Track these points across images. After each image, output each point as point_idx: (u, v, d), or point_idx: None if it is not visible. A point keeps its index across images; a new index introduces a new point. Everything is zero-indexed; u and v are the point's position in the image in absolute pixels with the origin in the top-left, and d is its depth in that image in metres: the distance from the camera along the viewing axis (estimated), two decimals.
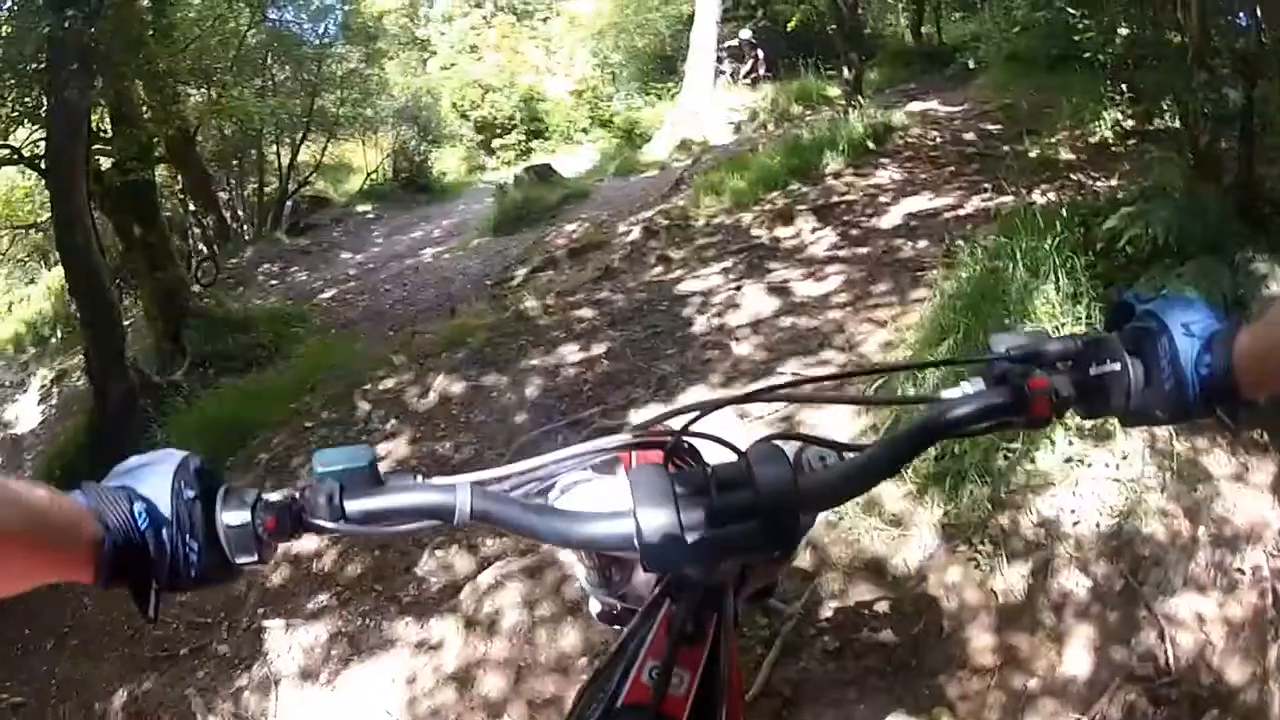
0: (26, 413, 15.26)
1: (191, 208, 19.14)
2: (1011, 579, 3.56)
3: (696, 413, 1.23)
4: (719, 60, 19.97)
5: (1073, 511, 3.64)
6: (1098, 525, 3.56)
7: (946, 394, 1.23)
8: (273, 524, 1.04)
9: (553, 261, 10.44)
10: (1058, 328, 4.45)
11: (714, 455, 1.22)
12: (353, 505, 1.07)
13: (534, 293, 9.08)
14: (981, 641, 3.40)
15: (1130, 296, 1.15)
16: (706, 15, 17.54)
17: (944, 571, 3.73)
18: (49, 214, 10.61)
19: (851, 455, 1.22)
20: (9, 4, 9.13)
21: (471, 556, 4.77)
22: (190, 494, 1.02)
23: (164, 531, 0.99)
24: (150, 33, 9.96)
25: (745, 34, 19.95)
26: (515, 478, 1.19)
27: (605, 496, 1.23)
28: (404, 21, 32.74)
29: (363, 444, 1.25)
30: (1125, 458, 3.71)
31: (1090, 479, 3.68)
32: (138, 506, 0.98)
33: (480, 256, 13.22)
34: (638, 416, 5.66)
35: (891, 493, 4.09)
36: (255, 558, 1.06)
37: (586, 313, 7.73)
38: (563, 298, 8.42)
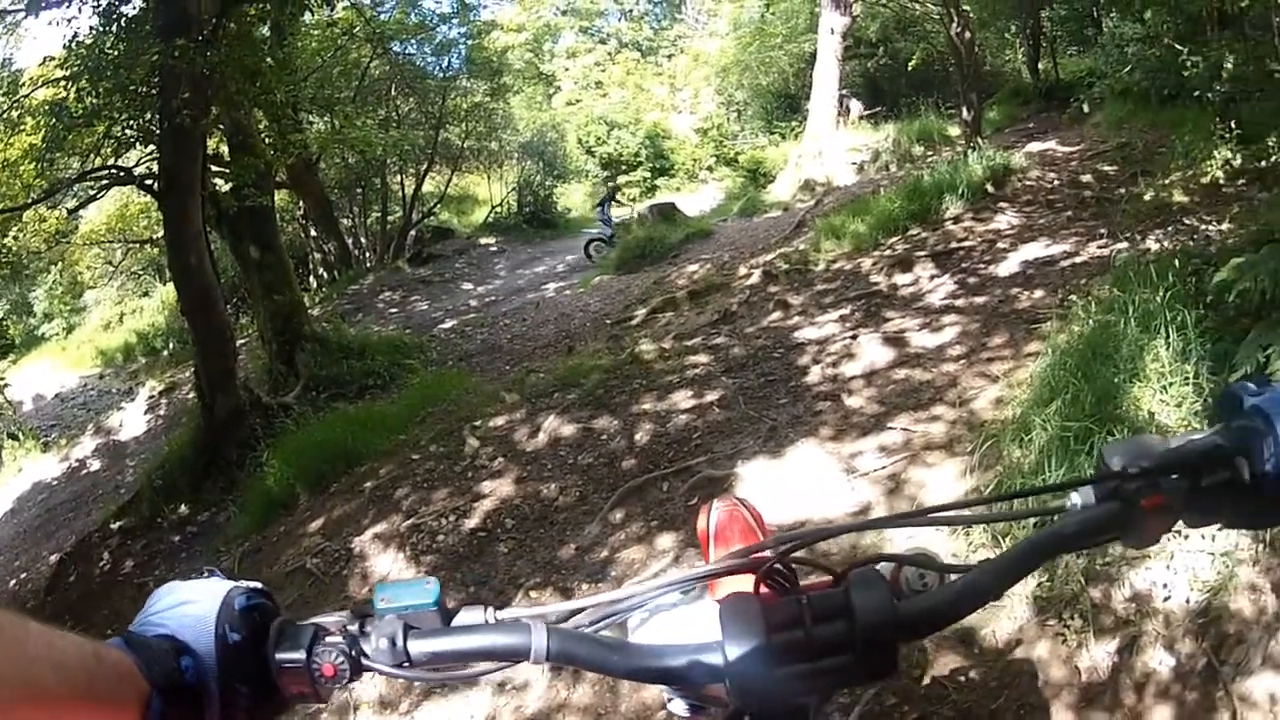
0: (132, 420, 15.69)
1: (313, 233, 19.57)
2: (1097, 655, 3.48)
3: (792, 538, 1.15)
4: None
5: (1165, 585, 3.54)
6: (1188, 600, 3.46)
7: (1055, 504, 1.18)
8: (330, 671, 1.01)
9: (672, 302, 10.50)
10: (1165, 387, 4.39)
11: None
12: (418, 647, 1.03)
13: (651, 335, 9.17)
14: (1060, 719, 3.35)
15: (1238, 388, 1.09)
16: (828, 53, 17.46)
17: (1032, 645, 3.66)
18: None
19: (954, 576, 1.13)
20: (115, 25, 9.33)
21: (563, 598, 4.71)
22: (236, 636, 0.99)
23: (211, 682, 0.97)
24: (268, 62, 10.12)
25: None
26: (593, 609, 1.15)
27: (688, 625, 1.20)
28: (529, 57, 33.15)
29: (428, 577, 1.13)
30: (1220, 528, 3.59)
31: (1184, 551, 3.57)
32: (184, 661, 0.96)
33: (601, 294, 13.30)
34: (744, 468, 5.67)
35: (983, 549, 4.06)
36: (312, 697, 1.03)
37: (702, 358, 7.75)
38: (679, 341, 8.46)
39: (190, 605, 1.00)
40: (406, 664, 1.03)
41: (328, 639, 1.02)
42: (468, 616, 1.08)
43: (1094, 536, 1.10)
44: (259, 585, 1.07)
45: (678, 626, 1.19)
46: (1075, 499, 1.12)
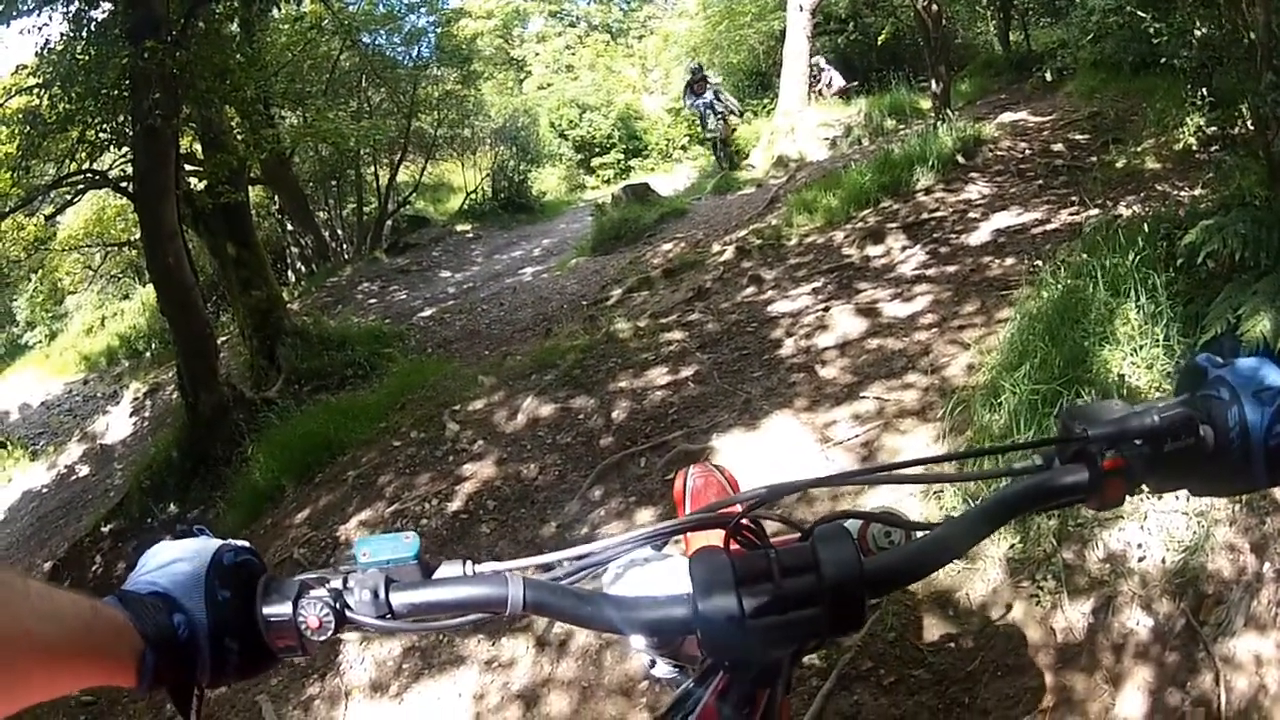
0: (117, 424, 15.69)
1: (289, 228, 19.51)
2: (1073, 616, 3.51)
3: (759, 495, 1.18)
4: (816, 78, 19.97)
5: (1139, 546, 3.56)
6: (1163, 561, 3.48)
7: (1019, 465, 1.23)
8: (316, 623, 1.03)
9: (648, 282, 10.54)
10: (1136, 350, 4.45)
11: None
12: (400, 599, 1.06)
13: (627, 314, 9.22)
14: (1037, 680, 3.37)
15: (1203, 359, 1.15)
16: (797, 31, 17.42)
17: (1007, 607, 3.71)
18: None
19: (920, 534, 1.16)
20: (85, 31, 9.36)
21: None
22: (226, 594, 1.03)
23: (202, 638, 1.00)
24: (237, 59, 10.14)
25: (819, 60, 19.88)
26: (569, 563, 1.18)
27: (661, 579, 1.22)
28: (498, 42, 33.02)
29: (409, 530, 1.12)
30: (1183, 494, 3.51)
31: (1158, 511, 3.59)
32: (177, 618, 0.99)
33: (577, 276, 13.34)
34: (720, 440, 5.74)
35: (950, 506, 4.09)
36: (298, 650, 1.06)
37: (677, 335, 7.80)
38: (655, 319, 8.51)
39: (181, 563, 1.04)
40: (389, 615, 1.06)
41: (312, 593, 1.05)
42: (448, 570, 1.12)
43: (1057, 497, 1.15)
44: (246, 544, 1.10)
45: (651, 580, 1.21)
46: (1039, 460, 1.19)
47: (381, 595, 1.05)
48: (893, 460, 4.84)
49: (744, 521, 1.15)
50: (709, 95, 18.52)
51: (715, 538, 1.17)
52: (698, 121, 18.93)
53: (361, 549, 1.08)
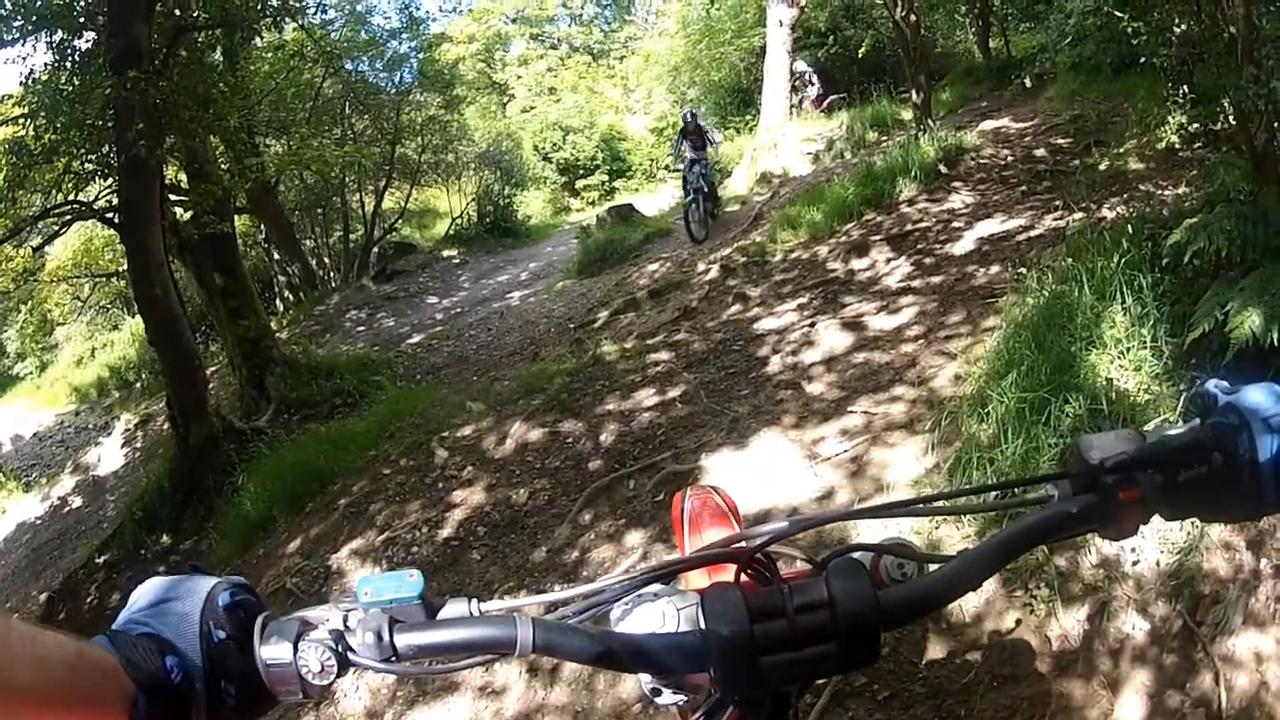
0: (109, 455, 15.68)
1: (276, 256, 19.55)
2: (1067, 623, 3.49)
3: (771, 531, 1.14)
4: (800, 89, 20.02)
5: (1133, 550, 3.54)
6: (1158, 563, 3.46)
7: (1033, 496, 1.21)
8: (317, 667, 0.98)
9: (634, 303, 10.55)
10: (1124, 352, 4.45)
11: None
12: (404, 641, 1.01)
13: (613, 336, 9.23)
14: (1034, 689, 3.34)
15: (1213, 386, 1.13)
16: (777, 46, 17.50)
17: (1001, 617, 3.68)
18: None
19: (933, 566, 1.15)
20: (68, 63, 9.40)
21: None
22: (221, 634, 0.98)
23: (197, 681, 0.95)
24: (220, 88, 10.15)
25: (799, 65, 19.90)
26: (577, 601, 1.14)
27: (670, 615, 1.14)
28: (481, 66, 33.15)
29: (411, 569, 1.08)
30: (1197, 522, 3.45)
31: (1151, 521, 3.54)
32: (169, 660, 0.94)
33: (564, 299, 13.36)
34: (709, 460, 5.72)
35: (951, 535, 4.06)
36: (298, 695, 1.01)
37: (664, 356, 7.80)
38: (641, 340, 8.52)
39: (173, 603, 0.99)
40: (393, 658, 1.02)
41: (313, 635, 1.00)
42: (453, 609, 1.07)
43: (1072, 528, 1.13)
44: (242, 580, 1.06)
45: (658, 616, 1.18)
46: (1053, 491, 1.17)
47: (385, 637, 1.01)
48: (883, 478, 4.88)
49: (756, 555, 1.13)
50: (700, 154, 14.88)
51: (723, 570, 1.18)
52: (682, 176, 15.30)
53: (364, 588, 1.04)
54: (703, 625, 1.01)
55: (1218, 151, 6.67)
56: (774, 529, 1.14)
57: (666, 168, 15.38)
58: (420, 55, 21.93)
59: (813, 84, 20.03)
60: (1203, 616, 3.24)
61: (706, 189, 14.21)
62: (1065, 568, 3.67)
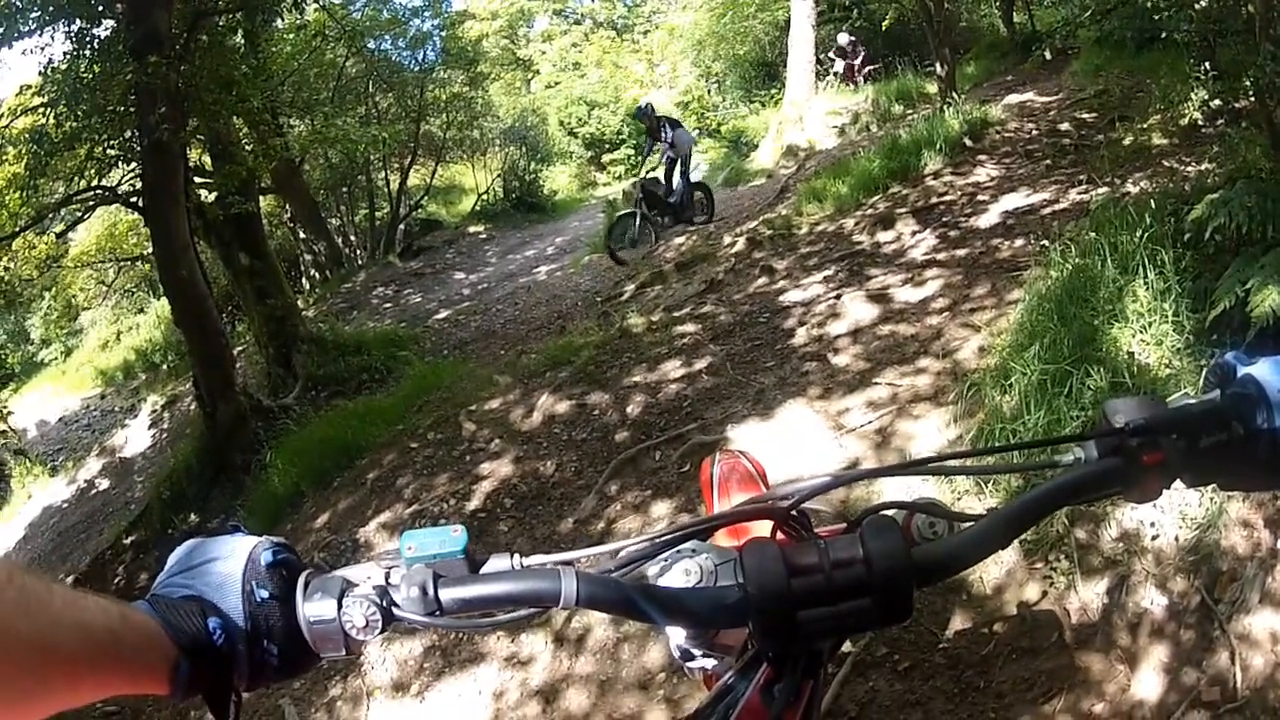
0: (136, 437, 15.80)
1: (302, 235, 19.58)
2: (1087, 596, 3.49)
3: (808, 487, 1.16)
4: (831, 63, 19.96)
5: (1152, 524, 3.52)
6: (1177, 539, 3.45)
7: (1060, 458, 1.21)
8: (362, 623, 0.98)
9: (660, 276, 10.59)
10: (1145, 327, 4.43)
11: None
12: (449, 595, 1.01)
13: (640, 308, 9.25)
14: (1052, 662, 3.34)
15: (1232, 357, 1.15)
16: (802, 19, 17.46)
17: (1020, 588, 3.69)
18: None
19: (964, 525, 1.15)
20: (87, 50, 9.47)
21: None
22: (264, 594, 0.97)
23: (240, 642, 0.95)
24: (242, 70, 10.22)
25: (842, 37, 19.84)
26: (617, 556, 1.14)
27: (708, 569, 1.16)
28: (504, 43, 33.07)
29: (456, 524, 1.07)
30: (1217, 488, 3.47)
31: (1171, 489, 3.51)
32: (212, 622, 0.93)
33: (591, 273, 13.45)
34: (735, 431, 5.73)
35: (974, 507, 4.00)
36: (342, 651, 1.01)
37: (690, 328, 7.80)
38: (668, 312, 8.54)
39: (215, 563, 0.99)
40: (438, 612, 1.01)
41: (356, 591, 1.00)
42: (496, 564, 1.07)
43: (1097, 490, 1.16)
44: (282, 540, 1.05)
45: (696, 571, 1.15)
46: (1079, 453, 1.19)
47: (430, 591, 1.00)
48: (908, 449, 4.89)
49: (792, 511, 1.14)
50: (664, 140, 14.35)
51: (760, 527, 1.18)
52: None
53: (407, 543, 1.03)
54: (741, 580, 1.02)
55: (1239, 128, 6.61)
56: (811, 485, 1.16)
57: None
58: (443, 33, 21.87)
59: (859, 53, 19.95)
60: (1220, 593, 3.23)
61: (642, 196, 13.62)
62: (1085, 540, 3.67)
